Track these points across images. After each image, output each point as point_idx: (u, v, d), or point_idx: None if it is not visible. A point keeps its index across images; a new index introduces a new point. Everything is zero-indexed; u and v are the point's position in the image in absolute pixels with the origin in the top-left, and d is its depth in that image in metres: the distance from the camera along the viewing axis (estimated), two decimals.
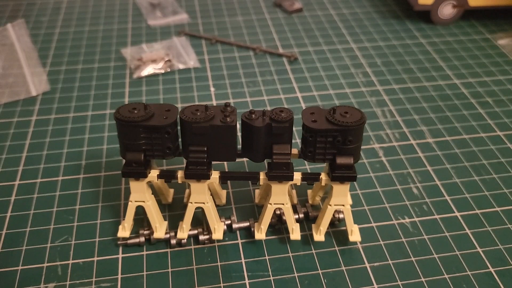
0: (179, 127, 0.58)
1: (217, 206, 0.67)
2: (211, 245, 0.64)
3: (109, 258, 0.63)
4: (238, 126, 0.76)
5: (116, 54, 1.03)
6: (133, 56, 1.01)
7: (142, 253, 0.63)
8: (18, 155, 0.78)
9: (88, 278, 0.60)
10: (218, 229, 0.62)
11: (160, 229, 0.63)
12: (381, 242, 0.64)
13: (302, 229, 0.66)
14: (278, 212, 0.65)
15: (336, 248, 0.64)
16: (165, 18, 1.15)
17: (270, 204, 0.61)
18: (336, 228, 0.66)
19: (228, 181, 0.68)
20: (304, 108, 0.79)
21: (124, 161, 0.59)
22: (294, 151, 0.62)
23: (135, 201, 0.61)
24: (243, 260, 0.62)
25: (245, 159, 0.76)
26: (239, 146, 0.62)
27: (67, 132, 0.82)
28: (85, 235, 0.65)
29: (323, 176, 0.60)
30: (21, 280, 0.60)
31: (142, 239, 0.63)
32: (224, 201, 0.69)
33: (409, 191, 0.71)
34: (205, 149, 0.57)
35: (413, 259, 0.62)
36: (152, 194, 0.63)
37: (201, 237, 0.63)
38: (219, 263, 0.62)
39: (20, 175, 0.74)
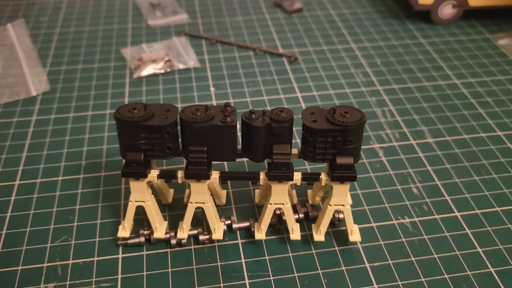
0: (179, 127, 0.58)
1: (217, 206, 0.67)
2: (211, 245, 0.64)
3: (109, 258, 0.63)
4: (238, 126, 0.76)
5: (116, 54, 1.03)
6: (133, 56, 1.01)
7: (142, 253, 0.63)
8: (18, 155, 0.78)
9: (88, 278, 0.60)
10: (218, 229, 0.62)
11: (160, 229, 0.63)
12: (381, 242, 0.64)
13: (302, 229, 0.66)
14: (278, 212, 0.65)
15: (336, 248, 0.64)
16: (165, 18, 1.15)
17: (270, 204, 0.61)
18: (336, 228, 0.66)
19: (228, 181, 0.68)
20: (304, 108, 0.79)
21: (124, 161, 0.59)
22: (294, 151, 0.62)
23: (135, 201, 0.61)
24: (243, 260, 0.62)
25: (245, 159, 0.76)
26: (239, 146, 0.62)
27: (67, 132, 0.82)
28: (85, 235, 0.65)
29: (323, 176, 0.60)
30: (21, 280, 0.60)
31: (142, 239, 0.63)
32: (224, 201, 0.69)
33: (409, 191, 0.71)
34: (205, 149, 0.57)
35: (413, 259, 0.62)
36: (152, 194, 0.63)
37: (201, 237, 0.63)
38: (219, 263, 0.62)
39: (20, 175, 0.74)
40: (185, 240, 0.63)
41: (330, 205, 0.61)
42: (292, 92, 0.91)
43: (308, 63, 1.00)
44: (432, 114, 0.86)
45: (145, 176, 0.59)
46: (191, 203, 0.61)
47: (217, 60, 1.01)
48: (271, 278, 0.60)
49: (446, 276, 0.60)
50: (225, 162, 0.76)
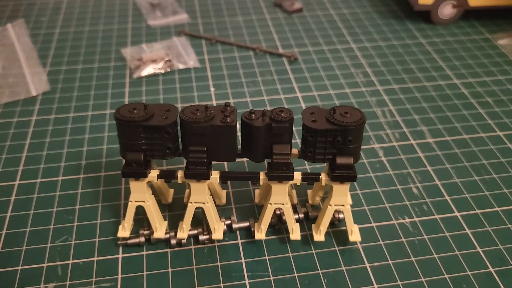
0: (179, 127, 0.58)
1: (217, 206, 0.67)
2: (211, 245, 0.64)
3: (109, 258, 0.63)
4: (238, 126, 0.76)
5: (116, 54, 1.03)
6: (133, 56, 1.01)
7: (142, 253, 0.63)
8: (18, 155, 0.78)
9: (88, 278, 0.60)
10: (218, 229, 0.62)
11: (160, 229, 0.63)
12: (381, 242, 0.64)
13: (302, 229, 0.66)
14: (278, 212, 0.65)
15: (336, 248, 0.64)
16: (165, 18, 1.15)
17: (270, 204, 0.61)
18: (336, 228, 0.66)
19: (228, 181, 0.68)
20: (304, 108, 0.79)
21: (124, 161, 0.59)
22: (294, 151, 0.62)
23: (135, 201, 0.61)
24: (243, 260, 0.62)
25: (245, 159, 0.76)
26: (239, 146, 0.62)
27: (67, 132, 0.82)
28: (85, 235, 0.65)
29: (323, 176, 0.60)
30: (21, 280, 0.60)
31: (142, 239, 0.63)
32: (224, 201, 0.69)
33: (409, 191, 0.71)
34: (205, 149, 0.57)
35: (413, 259, 0.62)
36: (152, 194, 0.63)
37: (201, 237, 0.63)
38: (219, 263, 0.62)
39: (20, 175, 0.74)
40: (185, 240, 0.63)
41: (330, 205, 0.61)
42: (292, 92, 0.91)
43: (308, 63, 1.00)
44: (432, 114, 0.86)
45: (145, 176, 0.59)
46: (191, 203, 0.61)
47: (217, 60, 1.01)
48: (271, 278, 0.60)
49: (446, 276, 0.60)
50: (225, 162, 0.76)
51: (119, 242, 0.64)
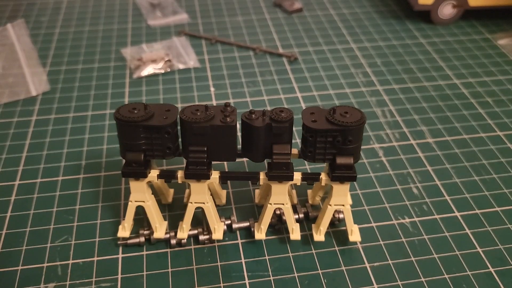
0: (179, 127, 0.58)
1: (217, 206, 0.67)
2: (211, 245, 0.64)
3: (109, 258, 0.63)
4: (238, 126, 0.76)
5: (116, 54, 1.03)
6: (133, 56, 1.01)
7: (142, 253, 0.63)
8: (18, 155, 0.78)
9: (88, 278, 0.60)
10: (218, 229, 0.62)
11: (160, 229, 0.63)
12: (381, 242, 0.64)
13: (302, 229, 0.66)
14: (278, 212, 0.65)
15: (336, 248, 0.64)
16: (165, 18, 1.15)
17: (270, 204, 0.61)
18: (336, 228, 0.66)
19: (228, 181, 0.68)
20: (304, 108, 0.79)
21: (124, 161, 0.59)
22: (294, 151, 0.62)
23: (135, 201, 0.61)
24: (243, 260, 0.62)
25: (245, 159, 0.76)
26: (239, 146, 0.62)
27: (67, 132, 0.82)
28: (85, 235, 0.65)
29: (323, 176, 0.60)
30: (21, 280, 0.60)
31: (142, 239, 0.63)
32: (224, 201, 0.69)
33: (409, 191, 0.71)
34: (205, 149, 0.57)
35: (413, 259, 0.62)
36: (152, 194, 0.63)
37: (201, 237, 0.63)
38: (219, 263, 0.62)
39: (20, 175, 0.74)
40: (185, 240, 0.63)
41: (330, 205, 0.61)
42: (292, 92, 0.91)
43: (308, 63, 1.00)
44: (432, 114, 0.86)
45: (145, 176, 0.59)
46: (191, 203, 0.61)
47: (217, 60, 1.01)
48: (271, 278, 0.60)
49: (446, 276, 0.60)
50: (225, 162, 0.76)
51: (119, 242, 0.64)
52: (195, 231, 0.64)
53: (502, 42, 1.07)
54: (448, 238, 0.65)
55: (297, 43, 1.06)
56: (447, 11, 1.12)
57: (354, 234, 0.63)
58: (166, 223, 0.64)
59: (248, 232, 0.65)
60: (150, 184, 0.63)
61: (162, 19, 1.15)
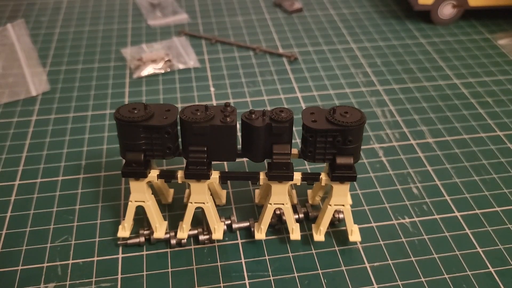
0: (179, 127, 0.58)
1: (217, 206, 0.67)
2: (211, 245, 0.64)
3: (109, 258, 0.63)
4: (238, 126, 0.76)
5: (116, 54, 1.03)
6: (133, 56, 1.01)
7: (142, 253, 0.63)
8: (18, 155, 0.78)
9: (88, 278, 0.60)
10: (218, 229, 0.62)
11: (160, 229, 0.63)
12: (381, 242, 0.64)
13: (302, 229, 0.66)
14: (278, 212, 0.65)
15: (336, 248, 0.64)
16: (165, 18, 1.15)
17: (270, 204, 0.61)
18: (336, 228, 0.66)
19: (228, 181, 0.68)
20: (304, 108, 0.79)
21: (124, 161, 0.59)
22: (294, 151, 0.62)
23: (135, 201, 0.61)
24: (243, 260, 0.62)
25: (245, 159, 0.76)
26: (239, 146, 0.62)
27: (67, 132, 0.82)
28: (85, 235, 0.65)
29: (323, 176, 0.60)
30: (21, 280, 0.60)
31: (142, 239, 0.63)
32: (224, 201, 0.69)
33: (409, 191, 0.71)
34: (205, 149, 0.57)
35: (413, 259, 0.62)
36: (152, 194, 0.63)
37: (201, 237, 0.63)
38: (219, 263, 0.62)
39: (20, 175, 0.74)
40: (185, 240, 0.63)
41: (330, 205, 0.61)
42: (292, 92, 0.91)
43: (308, 63, 1.00)
44: (432, 114, 0.86)
45: (145, 176, 0.59)
46: (191, 203, 0.61)
47: (217, 60, 1.01)
48: (271, 278, 0.60)
49: (446, 276, 0.60)
50: (225, 162, 0.76)
51: (119, 242, 0.64)
52: (195, 231, 0.64)
53: (502, 42, 1.07)
54: (448, 238, 0.65)
55: (297, 43, 1.06)
56: (447, 11, 1.12)
57: (354, 234, 0.63)
58: (166, 223, 0.64)
59: (248, 232, 0.65)
60: (150, 184, 0.63)
61: (162, 19, 1.15)
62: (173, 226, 0.66)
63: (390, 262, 0.62)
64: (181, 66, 0.98)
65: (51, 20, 1.17)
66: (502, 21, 1.15)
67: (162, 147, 0.58)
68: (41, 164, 0.76)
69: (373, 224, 0.67)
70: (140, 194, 0.61)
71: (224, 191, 0.70)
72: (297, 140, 0.80)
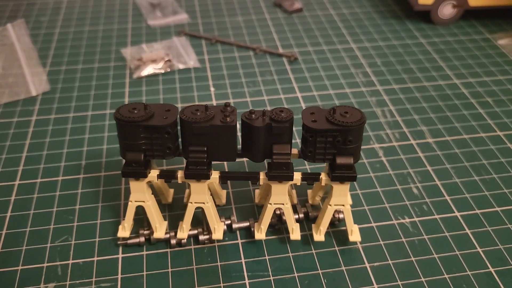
0: (179, 127, 0.58)
1: (217, 206, 0.67)
2: (211, 245, 0.64)
3: (109, 258, 0.63)
4: (238, 126, 0.76)
5: (116, 54, 1.03)
6: (133, 56, 1.01)
7: (142, 253, 0.63)
8: (18, 155, 0.78)
9: (88, 278, 0.60)
10: (218, 229, 0.62)
11: (160, 229, 0.63)
12: (381, 242, 0.64)
13: (302, 229, 0.66)
14: (278, 212, 0.65)
15: (336, 248, 0.64)
16: (165, 18, 1.15)
17: (270, 204, 0.61)
18: (336, 228, 0.66)
19: (228, 181, 0.68)
20: (304, 108, 0.79)
21: (124, 161, 0.59)
22: (294, 151, 0.62)
23: (135, 201, 0.61)
24: (243, 260, 0.62)
25: (245, 159, 0.76)
26: (239, 146, 0.62)
27: (67, 132, 0.82)
28: (85, 235, 0.65)
29: (323, 176, 0.60)
30: (21, 280, 0.60)
31: (142, 239, 0.63)
32: (224, 201, 0.69)
33: (409, 191, 0.71)
34: (205, 149, 0.57)
35: (413, 259, 0.62)
36: (152, 194, 0.63)
37: (201, 237, 0.63)
38: (219, 263, 0.62)
39: (20, 175, 0.74)
40: (185, 240, 0.63)
41: (330, 205, 0.61)
42: (292, 92, 0.91)
43: (308, 63, 1.00)
44: (432, 114, 0.86)
45: (145, 176, 0.59)
46: (191, 203, 0.61)
47: (217, 60, 1.01)
48: (271, 278, 0.60)
49: (446, 276, 0.60)
50: (225, 162, 0.76)
51: (119, 242, 0.64)
52: (195, 231, 0.64)
53: (502, 42, 1.07)
54: (448, 238, 0.65)
55: (297, 43, 1.06)
56: (447, 11, 1.12)
57: (354, 234, 0.63)
58: (166, 223, 0.64)
59: (248, 232, 0.65)
60: (150, 184, 0.63)
61: (162, 19, 1.15)
62: (173, 226, 0.66)
63: (390, 262, 0.62)
64: (181, 66, 0.98)
65: (51, 20, 1.17)
66: (502, 21, 1.15)
67: (162, 147, 0.58)
68: (41, 164, 0.76)
69: (373, 224, 0.67)
70: (140, 194, 0.61)
71: (224, 191, 0.70)
72: (297, 140, 0.80)
